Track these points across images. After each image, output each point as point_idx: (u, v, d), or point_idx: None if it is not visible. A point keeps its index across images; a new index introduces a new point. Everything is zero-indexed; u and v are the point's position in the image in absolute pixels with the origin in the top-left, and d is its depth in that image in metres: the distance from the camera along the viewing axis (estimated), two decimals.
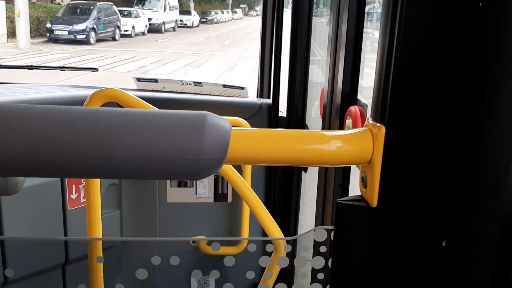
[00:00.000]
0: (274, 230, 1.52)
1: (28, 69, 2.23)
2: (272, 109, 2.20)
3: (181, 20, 26.19)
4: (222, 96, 2.31)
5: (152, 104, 1.76)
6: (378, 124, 0.59)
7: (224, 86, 2.31)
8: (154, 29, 22.78)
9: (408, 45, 0.56)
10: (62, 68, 2.23)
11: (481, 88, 0.55)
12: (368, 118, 0.62)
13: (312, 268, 0.69)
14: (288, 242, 0.75)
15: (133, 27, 20.77)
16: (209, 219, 2.32)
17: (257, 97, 2.39)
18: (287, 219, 2.14)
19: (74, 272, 2.06)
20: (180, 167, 0.54)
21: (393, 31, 0.56)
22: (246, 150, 0.58)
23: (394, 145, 0.58)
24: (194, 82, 2.31)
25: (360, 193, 0.65)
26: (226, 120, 0.57)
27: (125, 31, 20.13)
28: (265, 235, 1.64)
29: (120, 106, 1.55)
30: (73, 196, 1.98)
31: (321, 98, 1.60)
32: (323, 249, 0.67)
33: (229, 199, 2.30)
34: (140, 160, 0.53)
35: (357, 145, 0.60)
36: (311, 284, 0.69)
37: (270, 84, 2.30)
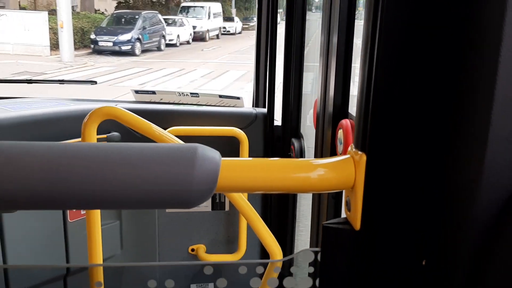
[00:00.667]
0: (271, 243, 1.55)
1: (28, 83, 2.27)
2: (267, 118, 2.24)
3: (224, 27, 25.26)
4: (219, 106, 2.35)
5: (151, 116, 1.80)
6: (360, 152, 0.62)
7: (220, 96, 2.35)
8: (198, 37, 22.03)
9: (386, 78, 0.59)
10: (62, 81, 2.26)
11: (456, 106, 0.58)
12: (351, 146, 0.66)
13: None
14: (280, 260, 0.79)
15: (178, 36, 19.97)
16: (207, 227, 2.35)
17: (252, 106, 2.43)
18: (284, 230, 2.17)
19: (75, 283, 2.09)
20: (173, 197, 0.57)
21: (371, 66, 0.59)
22: (235, 179, 0.62)
23: (375, 171, 0.62)
24: (191, 93, 2.34)
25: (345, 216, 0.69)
26: (215, 151, 0.60)
27: (170, 40, 19.38)
28: (262, 244, 1.67)
29: (119, 123, 1.58)
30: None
31: (315, 109, 1.64)
32: (310, 269, 0.71)
33: (227, 208, 2.33)
34: (136, 192, 0.56)
35: (341, 172, 0.63)
36: None
37: (265, 94, 2.34)
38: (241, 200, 1.55)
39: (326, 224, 0.67)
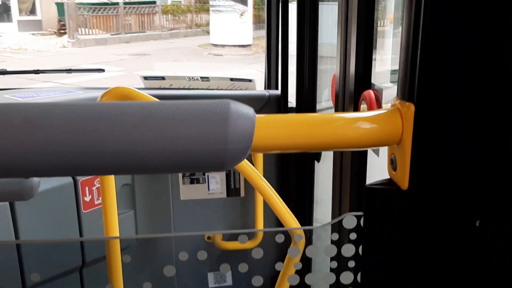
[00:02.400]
0: (289, 220, 1.50)
1: (35, 73, 2.22)
2: (281, 100, 2.18)
3: None
4: (230, 89, 2.29)
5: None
6: (407, 103, 0.56)
7: (232, 79, 2.29)
8: None
9: (436, 19, 0.53)
10: (69, 71, 2.22)
11: None
12: (395, 98, 0.60)
13: (342, 257, 0.67)
14: (316, 230, 0.74)
15: None
16: (223, 214, 2.31)
17: (264, 88, 2.37)
18: (302, 209, 2.12)
19: (92, 274, 2.06)
20: (205, 158, 0.52)
21: (419, 3, 0.53)
22: (272, 137, 0.56)
23: (425, 124, 0.56)
24: (201, 78, 2.29)
25: (388, 177, 0.63)
26: (249, 107, 0.55)
27: None
28: (280, 226, 1.62)
29: None
30: (87, 199, 1.98)
31: (333, 85, 1.58)
32: (352, 236, 0.65)
33: (242, 194, 2.29)
34: (165, 153, 0.51)
35: (386, 126, 0.58)
36: (341, 272, 0.67)
37: (277, 75, 2.28)
38: (259, 179, 1.50)
39: (370, 186, 0.61)
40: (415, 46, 0.54)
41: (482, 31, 0.53)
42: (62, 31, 16.57)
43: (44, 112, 0.50)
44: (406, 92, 0.57)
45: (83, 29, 16.33)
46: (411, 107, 0.56)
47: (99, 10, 16.84)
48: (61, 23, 16.72)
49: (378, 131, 0.57)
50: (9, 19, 17.75)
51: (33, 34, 17.18)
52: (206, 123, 0.51)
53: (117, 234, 1.66)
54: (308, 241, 0.70)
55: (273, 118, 0.57)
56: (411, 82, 0.56)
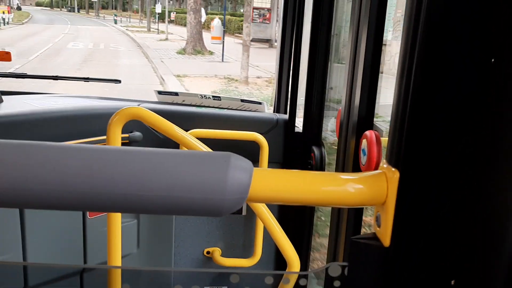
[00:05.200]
0: (288, 250, 1.55)
1: (54, 79, 2.30)
2: (288, 125, 2.24)
3: None
4: (240, 110, 2.35)
5: (173, 117, 1.81)
6: (393, 169, 0.62)
7: (242, 100, 2.35)
8: None
9: (424, 90, 0.59)
10: (87, 79, 2.30)
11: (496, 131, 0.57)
12: (384, 161, 0.65)
13: None
14: (306, 276, 0.79)
15: None
16: (224, 231, 2.36)
17: (273, 112, 2.43)
18: (300, 238, 2.16)
19: (92, 279, 2.11)
20: (204, 205, 0.57)
21: (409, 78, 0.59)
22: (266, 190, 0.62)
23: (408, 188, 0.61)
24: (213, 96, 2.35)
25: (374, 231, 0.68)
26: (247, 161, 0.60)
27: None
28: (278, 249, 1.67)
29: (141, 122, 1.60)
30: None
31: (338, 119, 1.63)
32: (337, 283, 0.70)
33: (244, 212, 2.34)
34: (167, 198, 0.56)
35: (372, 187, 0.63)
36: None
37: (287, 100, 2.34)
38: (260, 205, 1.55)
39: (355, 239, 0.66)
40: (403, 119, 0.60)
41: (465, 102, 0.58)
42: None
43: (58, 152, 0.56)
44: (393, 159, 0.62)
45: None
46: (396, 174, 0.61)
47: None
48: None
49: (365, 192, 0.63)
50: None
51: None
52: (208, 173, 0.56)
53: (120, 242, 1.72)
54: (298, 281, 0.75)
55: (268, 173, 0.63)
56: (398, 151, 0.61)
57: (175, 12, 40.64)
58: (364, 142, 1.35)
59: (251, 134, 2.11)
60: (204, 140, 1.70)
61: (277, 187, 0.62)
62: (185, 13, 27.17)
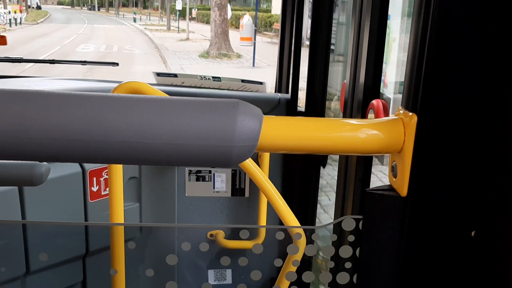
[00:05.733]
0: (292, 221, 1.52)
1: (50, 63, 2.27)
2: (290, 104, 2.20)
3: None
4: (241, 91, 2.32)
5: None
6: (410, 113, 0.59)
7: (243, 81, 2.32)
8: None
9: (441, 33, 0.56)
10: (83, 62, 2.26)
11: None
12: (400, 107, 0.62)
13: (339, 257, 0.69)
14: (314, 231, 0.76)
15: None
16: (227, 213, 2.33)
17: (275, 92, 2.40)
18: (305, 212, 2.14)
19: (95, 263, 2.09)
20: (212, 154, 0.54)
21: (426, 18, 0.56)
22: (277, 138, 0.59)
23: (426, 134, 0.58)
24: (213, 77, 2.32)
25: (389, 183, 0.65)
26: (257, 108, 0.57)
27: None
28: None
29: None
30: (94, 189, 2.01)
31: (342, 93, 1.60)
32: (350, 238, 0.68)
33: (247, 194, 2.31)
34: (174, 146, 0.53)
35: (389, 134, 0.60)
36: (338, 273, 0.69)
37: (288, 79, 2.30)
38: (263, 179, 1.52)
39: (370, 190, 0.64)
40: (420, 60, 0.57)
41: (487, 46, 0.55)
42: None
43: (63, 101, 0.53)
44: (410, 103, 0.59)
45: None
46: (414, 118, 0.58)
47: None
48: None
49: (380, 138, 0.60)
50: None
51: None
52: (215, 120, 0.53)
53: (122, 226, 1.69)
54: (308, 241, 0.72)
55: (279, 120, 0.60)
56: (415, 94, 0.58)
57: (196, 9, 37.89)
58: (370, 112, 1.31)
59: None
60: None
61: (288, 134, 0.59)
62: (208, 9, 24.90)
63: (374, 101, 1.30)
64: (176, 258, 0.75)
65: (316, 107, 2.07)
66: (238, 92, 2.26)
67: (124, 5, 72.70)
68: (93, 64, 2.33)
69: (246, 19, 19.00)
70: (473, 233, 0.61)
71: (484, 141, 0.58)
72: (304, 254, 0.74)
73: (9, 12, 27.70)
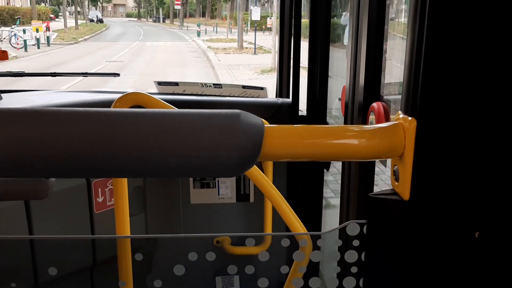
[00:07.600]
0: (297, 227, 1.53)
1: (52, 76, 2.28)
2: (292, 109, 2.21)
3: None
4: (242, 97, 2.33)
5: (175, 107, 1.79)
6: (409, 118, 0.59)
7: (244, 87, 2.33)
8: None
9: (438, 36, 0.56)
10: (85, 74, 2.28)
11: None
12: (399, 112, 0.63)
13: (345, 262, 0.70)
14: (320, 237, 0.77)
15: None
16: (232, 219, 2.34)
17: (276, 96, 2.40)
18: (310, 217, 2.15)
19: (102, 274, 2.10)
20: (215, 164, 0.55)
21: (422, 21, 0.56)
22: (279, 146, 0.59)
23: (426, 138, 0.59)
24: (214, 84, 2.33)
25: (391, 187, 0.66)
26: (258, 118, 0.58)
27: None
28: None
29: None
30: (100, 200, 2.02)
31: (343, 96, 1.61)
32: (355, 243, 0.68)
33: (251, 199, 2.31)
34: (178, 158, 0.54)
35: (389, 139, 0.60)
36: (344, 278, 0.70)
37: (289, 84, 2.31)
38: (268, 185, 1.52)
39: (373, 195, 0.64)
40: (418, 64, 0.57)
41: (485, 49, 0.56)
42: None
43: (67, 118, 0.54)
44: (409, 108, 0.60)
45: None
46: (413, 122, 0.59)
47: None
48: None
49: (381, 144, 0.60)
50: None
51: None
52: (218, 131, 0.54)
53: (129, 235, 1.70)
54: (314, 247, 0.72)
55: (280, 129, 0.60)
56: (414, 98, 0.59)
57: (271, 17, 21.62)
58: (371, 115, 1.32)
59: None
60: None
61: (290, 142, 0.60)
62: None
63: (374, 104, 1.30)
64: (184, 269, 0.76)
65: (317, 110, 2.08)
66: (240, 98, 2.27)
67: (191, 15, 66.35)
68: (94, 75, 2.35)
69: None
70: (477, 234, 0.62)
71: (484, 143, 0.58)
72: (310, 260, 0.74)
73: (24, 32, 20.47)
